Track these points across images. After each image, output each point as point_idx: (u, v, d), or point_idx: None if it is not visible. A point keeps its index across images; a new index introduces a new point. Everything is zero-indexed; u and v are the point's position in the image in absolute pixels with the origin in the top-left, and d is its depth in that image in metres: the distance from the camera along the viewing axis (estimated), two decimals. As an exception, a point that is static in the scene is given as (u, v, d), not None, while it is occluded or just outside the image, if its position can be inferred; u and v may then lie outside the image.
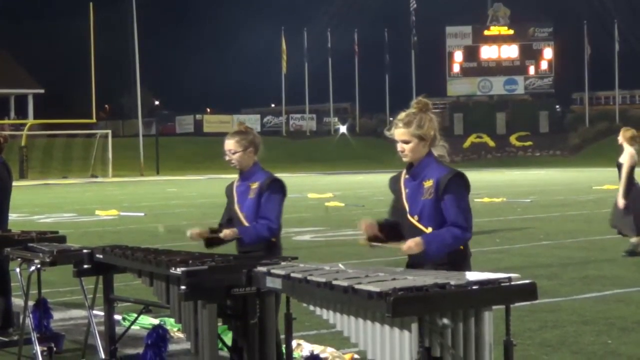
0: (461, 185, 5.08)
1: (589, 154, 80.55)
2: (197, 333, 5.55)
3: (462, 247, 5.09)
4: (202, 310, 5.49)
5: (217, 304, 5.49)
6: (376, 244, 5.21)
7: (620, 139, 14.04)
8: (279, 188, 6.27)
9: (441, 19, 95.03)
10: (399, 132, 5.15)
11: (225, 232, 6.21)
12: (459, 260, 5.07)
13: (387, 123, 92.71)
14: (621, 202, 13.84)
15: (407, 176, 5.21)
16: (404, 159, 5.18)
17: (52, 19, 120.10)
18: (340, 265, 4.90)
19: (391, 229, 5.23)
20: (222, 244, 6.38)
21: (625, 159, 13.85)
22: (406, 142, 5.12)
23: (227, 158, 6.39)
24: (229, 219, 6.40)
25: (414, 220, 5.09)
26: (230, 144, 6.37)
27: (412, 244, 4.93)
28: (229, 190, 6.47)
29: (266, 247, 6.15)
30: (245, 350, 5.62)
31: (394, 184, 5.29)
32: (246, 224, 6.24)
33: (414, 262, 5.11)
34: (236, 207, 6.33)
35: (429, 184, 5.07)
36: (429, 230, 5.03)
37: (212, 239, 6.37)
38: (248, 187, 6.30)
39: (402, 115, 5.19)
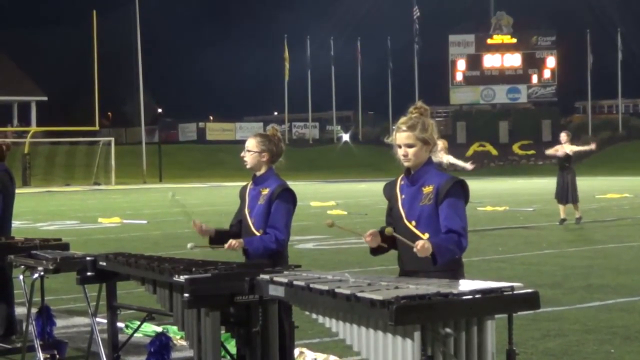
0: (461, 193, 5.05)
1: (592, 163, 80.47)
2: (200, 341, 5.56)
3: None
4: (205, 318, 5.49)
5: (221, 311, 5.50)
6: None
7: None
8: (289, 198, 6.26)
9: (444, 27, 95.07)
10: (402, 136, 5.08)
11: (232, 243, 6.17)
12: (455, 268, 5.03)
13: (390, 131, 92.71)
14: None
15: (403, 182, 5.17)
16: (406, 164, 5.11)
17: (55, 27, 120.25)
18: (347, 274, 4.89)
19: (389, 241, 5.20)
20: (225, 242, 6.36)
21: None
22: (410, 146, 5.06)
23: (242, 154, 6.41)
24: (240, 221, 6.40)
25: (410, 225, 5.05)
26: (250, 142, 6.40)
27: (425, 243, 4.77)
28: (242, 192, 6.47)
29: (272, 257, 6.13)
30: (248, 359, 5.62)
31: (389, 190, 5.26)
32: (254, 229, 6.24)
33: (408, 271, 5.09)
34: (246, 211, 6.33)
35: (428, 189, 5.03)
36: (426, 236, 4.99)
37: (216, 239, 6.35)
38: (259, 193, 6.29)
39: (404, 119, 5.13)
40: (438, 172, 5.13)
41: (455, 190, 5.02)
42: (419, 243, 4.81)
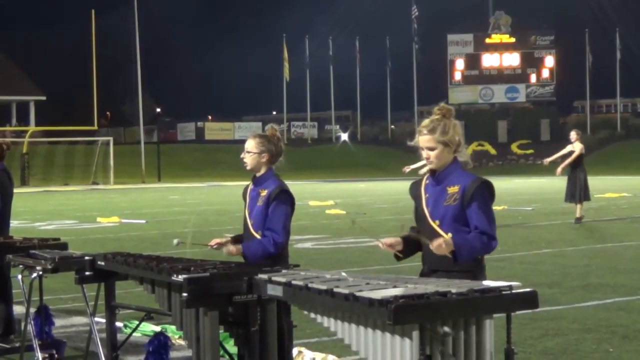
0: (488, 193, 5.11)
1: (591, 162, 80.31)
2: (199, 340, 5.56)
3: (479, 257, 5.08)
4: (203, 317, 5.49)
5: (219, 311, 5.49)
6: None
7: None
8: (286, 199, 6.25)
9: (443, 26, 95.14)
10: (423, 139, 5.12)
11: (230, 249, 6.20)
12: (477, 269, 5.07)
13: (388, 131, 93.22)
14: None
15: (428, 181, 5.21)
16: (430, 166, 5.15)
17: (53, 26, 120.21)
18: (343, 273, 4.90)
19: (415, 243, 5.22)
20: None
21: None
22: (431, 149, 5.10)
23: (241, 155, 6.41)
24: None
25: (435, 225, 5.08)
26: (249, 143, 6.38)
27: (442, 242, 4.87)
28: (244, 193, 6.49)
29: (271, 257, 6.14)
30: (246, 358, 5.62)
31: (415, 189, 5.29)
32: (253, 230, 6.24)
33: (428, 271, 5.11)
34: (246, 212, 6.34)
35: (454, 189, 5.06)
36: (449, 235, 5.00)
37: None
38: (258, 194, 6.29)
39: (425, 122, 5.18)
40: (464, 172, 5.15)
41: (483, 192, 5.08)
42: (435, 242, 4.88)
